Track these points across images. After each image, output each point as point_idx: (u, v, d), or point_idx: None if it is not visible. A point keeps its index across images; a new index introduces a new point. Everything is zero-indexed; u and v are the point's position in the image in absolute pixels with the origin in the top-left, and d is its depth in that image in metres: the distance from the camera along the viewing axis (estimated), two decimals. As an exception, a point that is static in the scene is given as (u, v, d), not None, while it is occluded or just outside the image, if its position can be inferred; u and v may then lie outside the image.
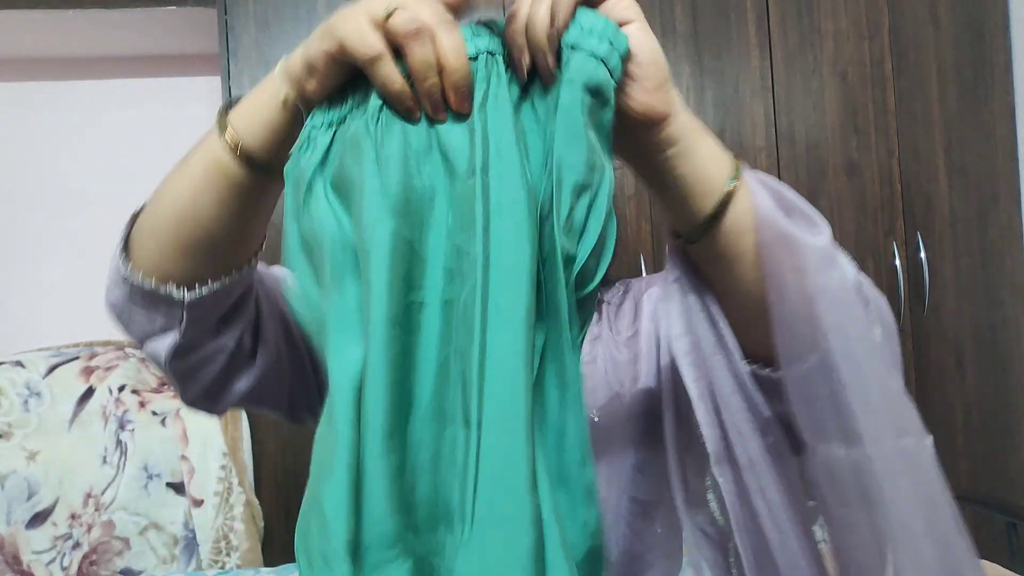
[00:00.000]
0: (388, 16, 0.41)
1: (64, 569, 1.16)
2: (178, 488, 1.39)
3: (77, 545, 1.18)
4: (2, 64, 2.05)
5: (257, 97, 0.50)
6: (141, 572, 1.27)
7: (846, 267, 0.48)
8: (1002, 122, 1.77)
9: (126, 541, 1.21)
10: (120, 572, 1.18)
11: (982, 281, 1.75)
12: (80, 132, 2.06)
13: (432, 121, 0.42)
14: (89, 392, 1.29)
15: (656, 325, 0.68)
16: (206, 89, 2.05)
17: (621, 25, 0.43)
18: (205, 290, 0.54)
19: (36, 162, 2.05)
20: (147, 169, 2.25)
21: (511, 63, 0.43)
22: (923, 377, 1.71)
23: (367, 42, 0.41)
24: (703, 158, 0.47)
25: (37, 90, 2.07)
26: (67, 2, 1.76)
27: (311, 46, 0.45)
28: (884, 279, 1.70)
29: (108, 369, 1.31)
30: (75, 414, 1.25)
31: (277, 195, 0.53)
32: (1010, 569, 0.98)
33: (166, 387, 1.50)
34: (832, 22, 1.71)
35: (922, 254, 1.70)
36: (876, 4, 1.72)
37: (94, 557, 1.18)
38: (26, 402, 1.24)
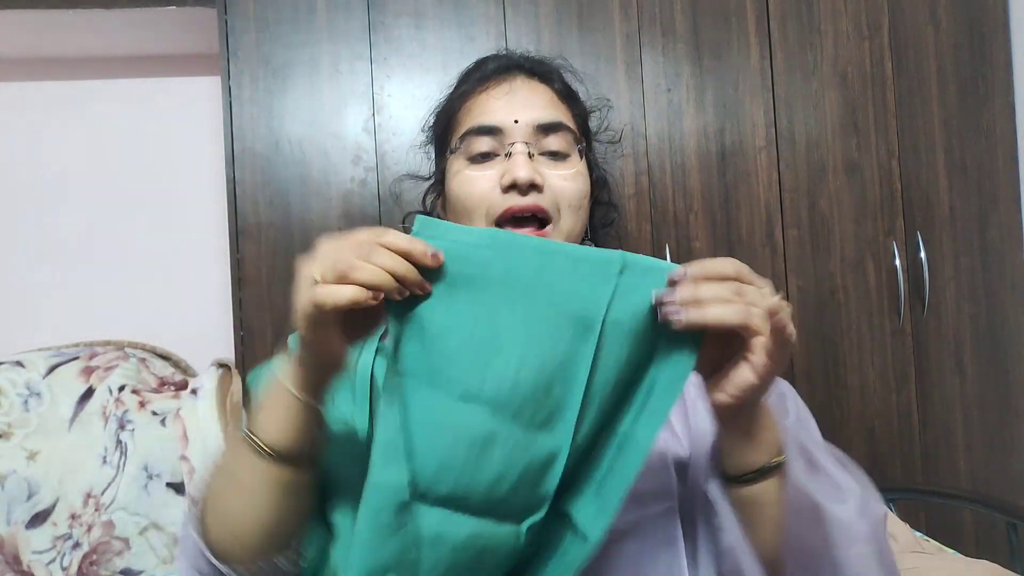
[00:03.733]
0: (323, 273, 0.49)
1: (64, 569, 1.16)
2: (178, 488, 1.39)
3: (77, 545, 1.18)
4: (2, 64, 2.05)
5: (272, 406, 0.58)
6: (141, 572, 1.26)
7: (868, 523, 0.58)
8: (1002, 122, 1.77)
9: (126, 541, 1.21)
10: (120, 572, 1.17)
11: (982, 281, 1.75)
12: (80, 132, 2.06)
13: None
14: (89, 392, 1.29)
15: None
16: (206, 89, 2.05)
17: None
18: (259, 566, 0.62)
19: (36, 162, 2.05)
20: (148, 169, 2.25)
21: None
22: (923, 377, 1.71)
23: (336, 295, 0.49)
24: (768, 427, 0.59)
25: (37, 90, 2.07)
26: (67, 2, 1.76)
27: (295, 344, 0.55)
28: (884, 279, 1.69)
29: (108, 369, 1.31)
30: (75, 414, 1.25)
31: (313, 482, 0.62)
32: (1010, 569, 0.98)
33: (166, 387, 1.50)
34: (832, 22, 1.71)
35: (922, 254, 1.70)
36: (876, 4, 1.72)
37: (94, 557, 1.18)
38: (26, 402, 1.24)
